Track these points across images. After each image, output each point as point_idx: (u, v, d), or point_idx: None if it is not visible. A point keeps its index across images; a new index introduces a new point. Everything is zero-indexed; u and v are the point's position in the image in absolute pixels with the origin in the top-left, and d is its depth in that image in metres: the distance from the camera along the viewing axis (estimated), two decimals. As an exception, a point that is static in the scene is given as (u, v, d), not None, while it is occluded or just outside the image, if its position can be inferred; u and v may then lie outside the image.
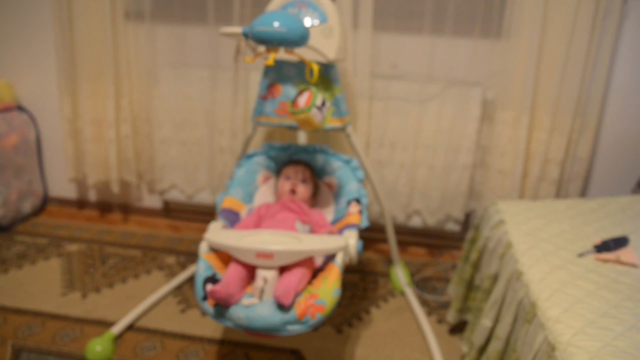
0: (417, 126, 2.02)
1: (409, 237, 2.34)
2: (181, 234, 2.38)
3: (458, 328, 1.74)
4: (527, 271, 1.22)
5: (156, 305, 1.81)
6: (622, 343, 0.95)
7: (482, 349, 1.36)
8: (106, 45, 2.10)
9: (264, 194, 1.69)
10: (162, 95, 2.18)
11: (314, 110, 1.39)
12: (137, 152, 2.33)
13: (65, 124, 2.27)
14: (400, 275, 1.98)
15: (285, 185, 1.60)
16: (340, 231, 1.45)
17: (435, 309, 1.85)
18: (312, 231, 1.50)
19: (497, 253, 1.42)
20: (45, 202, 2.59)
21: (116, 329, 1.64)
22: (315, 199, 1.68)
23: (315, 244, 1.30)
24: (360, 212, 1.50)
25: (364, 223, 1.47)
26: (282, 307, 1.17)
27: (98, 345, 1.55)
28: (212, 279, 1.27)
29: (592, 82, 1.89)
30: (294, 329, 1.16)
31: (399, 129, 2.05)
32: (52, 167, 2.54)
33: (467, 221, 2.27)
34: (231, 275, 1.23)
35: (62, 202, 2.62)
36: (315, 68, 1.40)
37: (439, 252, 2.28)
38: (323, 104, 1.41)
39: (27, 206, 2.43)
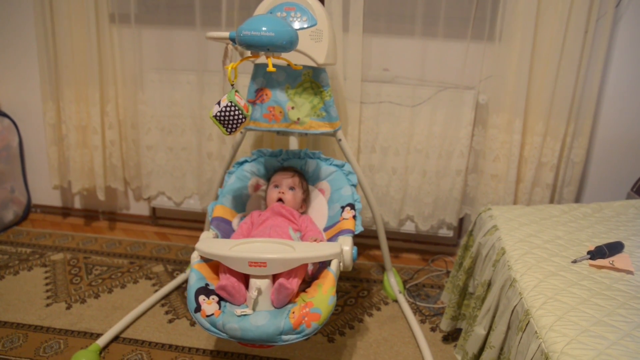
0: (409, 130, 2.01)
1: (402, 243, 2.33)
2: (169, 242, 2.35)
3: (452, 336, 1.72)
4: (520, 278, 1.21)
5: (143, 315, 1.78)
6: (616, 352, 0.94)
7: (476, 358, 1.35)
8: (90, 48, 2.07)
9: (255, 202, 1.67)
10: (148, 100, 2.16)
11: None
12: (123, 158, 2.30)
13: (48, 129, 2.23)
14: (393, 282, 1.96)
15: (273, 194, 1.59)
16: (334, 237, 1.43)
17: (428, 317, 1.83)
18: (302, 238, 1.48)
19: (491, 260, 1.40)
20: (29, 210, 2.54)
21: (102, 341, 1.61)
22: (306, 205, 1.65)
23: (309, 250, 1.28)
24: (355, 217, 1.49)
25: (359, 228, 1.46)
26: (279, 309, 1.19)
27: (83, 357, 1.52)
28: (205, 290, 1.25)
29: (586, 86, 1.88)
30: (289, 338, 1.15)
31: (390, 134, 2.03)
32: (35, 174, 2.50)
33: (460, 227, 2.26)
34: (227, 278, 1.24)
35: (46, 210, 2.57)
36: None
37: (432, 259, 2.25)
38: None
39: (10, 214, 2.38)
